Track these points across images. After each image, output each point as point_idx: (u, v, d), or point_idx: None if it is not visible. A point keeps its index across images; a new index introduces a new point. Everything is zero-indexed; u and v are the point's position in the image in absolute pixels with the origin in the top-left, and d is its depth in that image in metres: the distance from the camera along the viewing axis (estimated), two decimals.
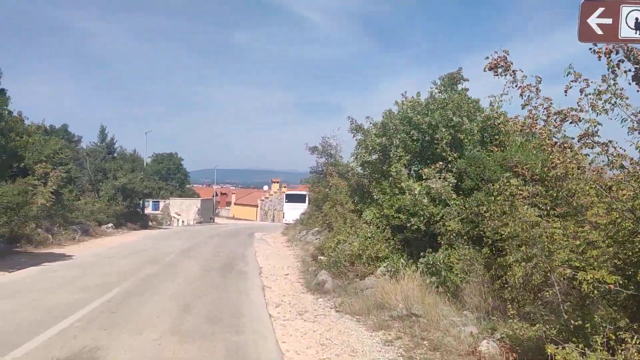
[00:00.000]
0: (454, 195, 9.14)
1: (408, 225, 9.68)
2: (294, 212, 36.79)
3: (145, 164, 31.99)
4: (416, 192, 9.54)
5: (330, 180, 20.49)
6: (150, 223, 34.24)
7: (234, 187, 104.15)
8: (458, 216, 8.62)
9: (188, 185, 66.38)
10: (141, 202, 31.53)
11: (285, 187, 78.43)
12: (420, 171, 10.30)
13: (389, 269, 9.14)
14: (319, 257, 12.91)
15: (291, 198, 40.19)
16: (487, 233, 7.25)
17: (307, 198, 38.78)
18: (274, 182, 78.38)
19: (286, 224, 37.49)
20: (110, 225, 25.15)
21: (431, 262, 8.43)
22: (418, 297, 7.33)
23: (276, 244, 22.28)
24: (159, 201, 46.99)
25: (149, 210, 46.23)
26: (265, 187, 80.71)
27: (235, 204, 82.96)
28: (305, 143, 26.81)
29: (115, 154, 31.49)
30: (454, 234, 8.40)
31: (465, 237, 8.31)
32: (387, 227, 10.74)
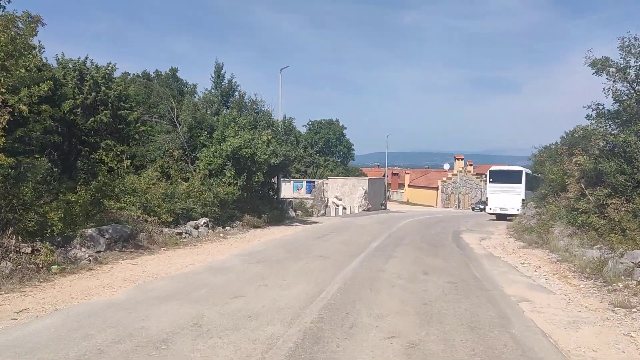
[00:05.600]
0: None
1: None
2: (504, 197, 26.57)
3: (279, 120, 19.81)
4: None
5: None
6: (293, 213, 22.55)
7: (402, 169, 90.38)
8: None
9: (352, 161, 54.12)
10: (274, 180, 19.67)
11: (470, 164, 62.71)
12: None
13: None
14: None
15: (499, 177, 27.76)
16: None
17: (523, 176, 26.51)
18: (457, 159, 62.49)
19: (490, 213, 27.43)
20: (201, 222, 13.63)
21: None
22: None
23: (556, 290, 8.18)
24: (314, 181, 35.75)
25: (301, 191, 35.26)
26: (446, 166, 65.01)
27: (409, 185, 69.49)
28: (587, 50, 12.32)
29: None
30: None
31: None
32: None
